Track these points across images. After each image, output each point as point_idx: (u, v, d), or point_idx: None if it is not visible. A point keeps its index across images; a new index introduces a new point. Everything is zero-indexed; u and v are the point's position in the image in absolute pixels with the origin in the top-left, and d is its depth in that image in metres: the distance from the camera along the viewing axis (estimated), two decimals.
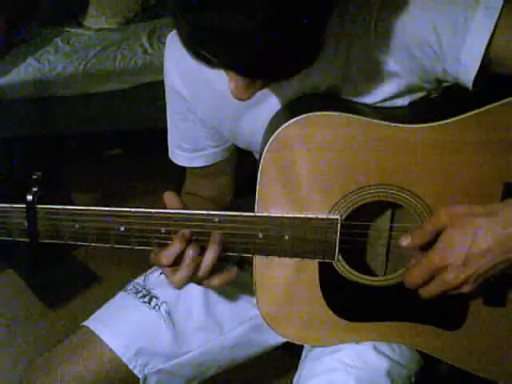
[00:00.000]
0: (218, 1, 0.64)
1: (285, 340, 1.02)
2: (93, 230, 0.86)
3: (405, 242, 0.83)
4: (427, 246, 0.82)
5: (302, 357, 1.01)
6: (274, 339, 1.07)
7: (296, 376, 0.99)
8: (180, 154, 1.05)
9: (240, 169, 1.12)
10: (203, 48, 0.69)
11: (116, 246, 0.87)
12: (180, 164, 1.06)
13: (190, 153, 1.03)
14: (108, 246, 0.88)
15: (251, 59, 0.68)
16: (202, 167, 1.04)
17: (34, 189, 0.86)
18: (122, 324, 1.00)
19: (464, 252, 0.77)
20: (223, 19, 0.64)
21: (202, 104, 0.96)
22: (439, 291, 0.81)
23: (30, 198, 0.85)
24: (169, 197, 0.86)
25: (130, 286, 1.06)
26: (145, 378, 1.00)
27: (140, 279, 1.08)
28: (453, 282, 0.79)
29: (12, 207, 0.87)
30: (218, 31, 0.65)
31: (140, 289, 1.05)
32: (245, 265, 1.11)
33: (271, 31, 0.65)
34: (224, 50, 0.67)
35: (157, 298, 1.03)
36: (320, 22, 0.69)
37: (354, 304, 0.91)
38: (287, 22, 0.65)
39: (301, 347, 1.02)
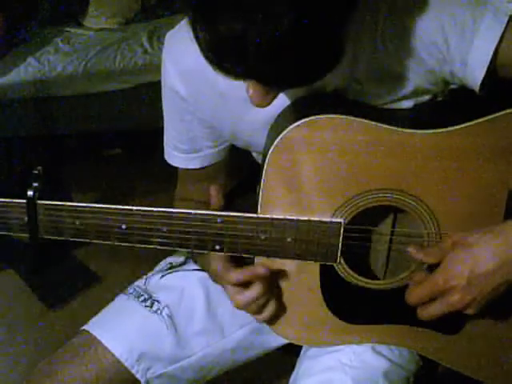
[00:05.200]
0: (242, 11, 0.63)
1: (285, 342, 1.03)
2: (94, 228, 0.86)
3: (412, 251, 0.84)
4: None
5: (300, 354, 1.02)
6: (275, 341, 1.07)
7: (293, 374, 0.99)
8: (176, 155, 1.04)
9: (240, 169, 1.12)
10: (228, 60, 0.68)
11: (117, 243, 0.87)
12: (176, 165, 1.05)
13: (187, 154, 1.03)
14: (109, 243, 0.88)
15: (278, 70, 0.67)
16: (197, 169, 1.04)
17: (35, 184, 0.86)
18: (124, 328, 1.00)
19: (467, 274, 0.77)
20: (250, 30, 0.63)
21: (201, 104, 0.95)
22: (441, 313, 0.81)
23: (30, 193, 0.85)
24: (214, 192, 0.88)
25: (130, 290, 1.06)
26: (147, 382, 1.00)
27: (141, 282, 1.07)
28: (457, 305, 0.79)
29: (13, 202, 0.86)
30: (244, 43, 0.64)
31: (141, 292, 1.04)
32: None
33: (298, 40, 0.64)
34: (250, 61, 0.66)
35: (158, 302, 1.03)
36: (344, 26, 0.69)
37: (353, 306, 0.91)
38: (313, 30, 0.65)
39: (301, 347, 1.02)
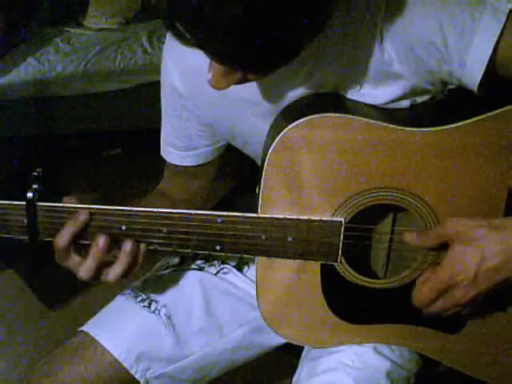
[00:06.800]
0: None
1: (285, 340, 1.03)
2: (94, 229, 0.86)
3: (409, 237, 0.83)
4: (429, 253, 0.84)
5: (302, 356, 1.01)
6: (275, 340, 1.07)
7: (295, 375, 0.99)
8: (172, 152, 1.04)
9: (240, 169, 1.12)
10: (181, 24, 0.67)
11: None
12: (172, 162, 1.05)
13: (183, 151, 1.03)
14: None
15: (227, 46, 0.66)
16: (190, 166, 1.04)
17: (35, 186, 0.85)
18: (122, 329, 1.00)
19: (473, 269, 0.77)
20: (211, 4, 0.62)
21: (200, 102, 0.96)
22: (447, 308, 0.81)
23: (30, 194, 0.84)
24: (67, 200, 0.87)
25: (128, 290, 1.06)
26: (147, 383, 1.00)
27: (138, 283, 1.07)
28: (462, 300, 0.79)
29: (12, 204, 0.86)
30: (200, 12, 0.63)
31: (139, 293, 1.04)
32: (244, 266, 1.11)
33: (254, 23, 0.63)
34: (202, 31, 0.66)
35: (156, 302, 1.02)
36: (305, 23, 0.68)
37: (354, 306, 0.91)
38: (272, 18, 0.64)
39: (301, 347, 1.02)
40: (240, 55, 0.68)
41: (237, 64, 0.71)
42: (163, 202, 1.04)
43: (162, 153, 1.06)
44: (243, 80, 0.76)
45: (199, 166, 1.05)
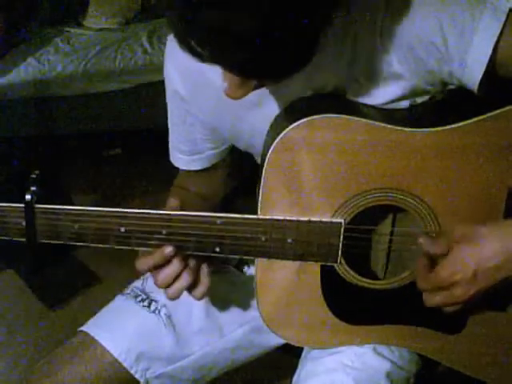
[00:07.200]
0: (219, 1, 0.63)
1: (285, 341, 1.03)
2: (92, 231, 0.86)
3: (423, 241, 0.82)
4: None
5: (302, 356, 1.01)
6: (275, 340, 1.07)
7: (295, 376, 0.99)
8: (179, 157, 1.05)
9: (240, 169, 1.12)
10: (198, 44, 0.67)
11: (116, 247, 0.87)
12: (180, 167, 1.06)
13: (188, 155, 1.03)
14: (108, 246, 0.87)
15: (246, 59, 0.67)
16: (198, 170, 1.05)
17: (33, 188, 0.85)
18: (122, 329, 1.00)
19: (473, 268, 0.77)
20: (224, 18, 0.63)
21: (201, 105, 0.96)
22: (445, 304, 0.81)
23: (28, 197, 0.84)
24: (171, 204, 0.87)
25: (128, 290, 1.06)
26: (147, 382, 1.00)
27: (138, 283, 1.07)
28: (461, 298, 0.79)
29: (10, 206, 0.86)
30: (217, 30, 0.64)
31: (139, 293, 1.04)
32: (244, 266, 1.11)
33: (270, 32, 0.64)
34: (219, 47, 0.66)
35: (156, 302, 1.02)
36: (318, 25, 0.69)
37: (354, 307, 0.91)
38: (286, 23, 0.64)
39: (301, 348, 1.02)
40: (257, 66, 0.68)
41: (254, 75, 0.72)
42: (185, 195, 1.05)
43: (171, 158, 1.07)
44: (259, 86, 0.76)
45: (206, 169, 1.05)
